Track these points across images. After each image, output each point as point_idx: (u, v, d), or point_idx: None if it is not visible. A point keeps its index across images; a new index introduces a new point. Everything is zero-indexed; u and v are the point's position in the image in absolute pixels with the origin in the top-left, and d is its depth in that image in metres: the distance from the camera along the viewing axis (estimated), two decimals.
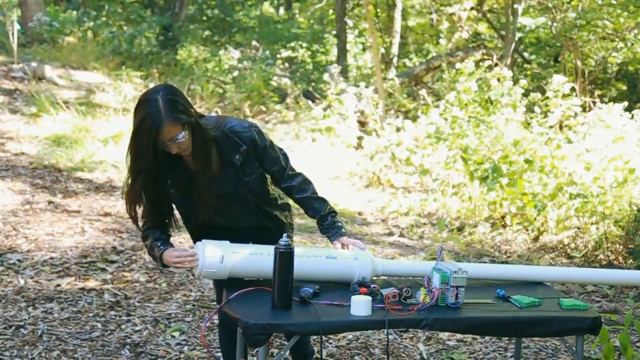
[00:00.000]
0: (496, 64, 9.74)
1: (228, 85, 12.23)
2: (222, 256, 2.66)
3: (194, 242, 2.94)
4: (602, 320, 2.70)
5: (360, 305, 2.52)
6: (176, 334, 4.04)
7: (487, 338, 4.17)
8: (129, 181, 2.72)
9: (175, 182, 2.80)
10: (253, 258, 2.70)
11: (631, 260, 5.32)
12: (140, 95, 2.66)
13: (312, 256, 2.78)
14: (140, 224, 2.86)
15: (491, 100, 8.54)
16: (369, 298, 2.55)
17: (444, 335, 4.18)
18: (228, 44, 15.55)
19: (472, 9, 14.21)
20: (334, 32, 16.18)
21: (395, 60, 14.28)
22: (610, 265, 5.50)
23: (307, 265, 2.74)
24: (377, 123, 9.55)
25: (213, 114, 10.49)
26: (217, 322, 4.14)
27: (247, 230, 2.91)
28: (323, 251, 2.86)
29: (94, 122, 8.67)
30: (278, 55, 16.02)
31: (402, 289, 2.63)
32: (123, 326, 4.10)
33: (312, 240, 6.13)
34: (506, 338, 4.09)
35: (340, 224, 2.92)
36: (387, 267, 2.89)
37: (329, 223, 2.90)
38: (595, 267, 5.53)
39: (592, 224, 6.04)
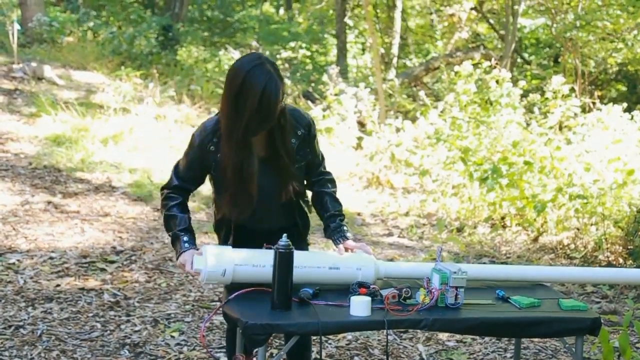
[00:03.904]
0: (495, 65, 9.75)
1: None
2: (224, 269, 2.64)
3: (222, 239, 2.92)
4: (602, 321, 2.70)
5: (360, 306, 2.52)
6: (176, 334, 4.04)
7: (486, 339, 4.17)
8: (235, 142, 2.63)
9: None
10: (255, 270, 2.68)
11: (631, 261, 5.32)
12: (243, 64, 2.61)
13: (315, 267, 2.74)
14: (175, 182, 2.81)
15: (491, 101, 8.55)
16: (369, 299, 2.55)
17: (444, 335, 4.18)
18: (228, 44, 15.55)
19: (472, 9, 14.22)
20: (334, 33, 16.19)
21: (395, 60, 14.29)
22: (609, 266, 5.50)
23: (309, 275, 2.71)
24: (375, 124, 9.56)
25: (213, 114, 10.49)
26: (216, 322, 4.15)
27: (277, 233, 2.71)
28: (326, 260, 2.81)
29: (94, 122, 8.67)
30: (278, 56, 16.03)
31: (402, 290, 2.63)
32: (122, 326, 4.09)
33: (311, 240, 6.12)
34: (506, 339, 4.09)
35: (346, 228, 2.90)
36: (389, 270, 2.88)
37: (335, 225, 2.88)
38: (595, 268, 5.54)
39: (591, 224, 6.05)
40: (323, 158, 2.95)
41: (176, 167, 2.85)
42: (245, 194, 2.74)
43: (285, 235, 2.55)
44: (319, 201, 2.93)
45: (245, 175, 2.69)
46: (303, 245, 2.94)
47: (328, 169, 3.00)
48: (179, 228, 2.78)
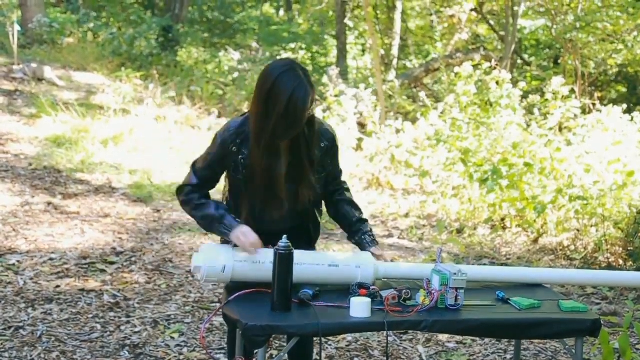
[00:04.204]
0: (495, 67, 9.75)
1: (228, 87, 12.24)
2: (224, 266, 2.65)
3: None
4: (602, 322, 2.70)
5: (360, 307, 2.52)
6: (175, 335, 4.04)
7: (486, 340, 4.16)
8: (263, 148, 2.63)
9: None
10: (256, 267, 2.68)
11: (631, 263, 5.32)
12: (274, 68, 2.61)
13: (315, 264, 2.74)
14: (194, 181, 2.78)
15: (491, 102, 8.55)
16: (369, 300, 2.55)
17: (444, 337, 4.18)
18: (228, 46, 15.55)
19: (472, 10, 14.22)
20: (334, 34, 16.20)
21: (395, 62, 14.28)
22: (609, 267, 5.50)
23: (308, 273, 2.72)
24: (375, 126, 9.56)
25: (213, 116, 10.50)
26: (216, 324, 4.15)
27: (286, 233, 2.73)
28: (325, 258, 2.83)
29: (94, 123, 8.67)
30: (278, 57, 16.02)
31: (402, 291, 2.63)
32: (122, 327, 4.09)
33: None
34: (506, 340, 4.09)
35: (373, 234, 2.93)
36: (389, 270, 2.88)
37: (366, 229, 2.89)
38: (595, 269, 5.54)
39: (591, 226, 6.05)
40: (341, 171, 2.97)
41: (194, 165, 2.83)
42: (277, 199, 2.74)
43: (285, 236, 2.55)
44: (340, 208, 2.95)
45: (274, 179, 2.69)
46: (311, 250, 2.94)
47: (354, 200, 3.01)
48: (215, 208, 2.73)
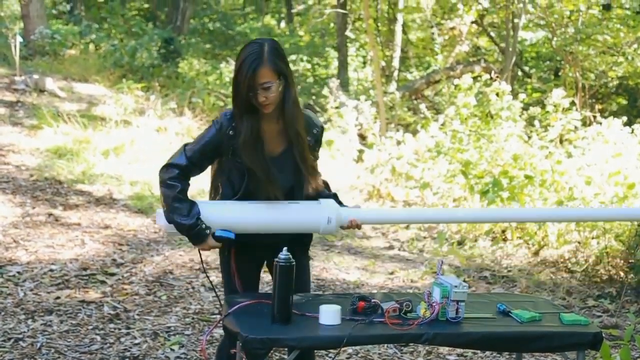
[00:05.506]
0: (496, 78, 9.77)
1: (229, 98, 12.25)
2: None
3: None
4: (603, 335, 2.69)
5: (328, 315, 2.52)
6: (175, 347, 4.03)
7: (487, 353, 4.15)
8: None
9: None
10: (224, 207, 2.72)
11: (632, 275, 5.31)
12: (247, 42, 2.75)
13: (276, 205, 2.73)
14: (184, 162, 2.73)
15: (491, 114, 8.57)
16: (338, 307, 2.55)
17: (444, 350, 4.16)
18: (229, 57, 15.60)
19: (472, 22, 14.27)
20: (335, 46, 16.25)
21: (395, 73, 14.33)
22: (610, 279, 5.49)
23: (267, 214, 2.71)
24: (376, 137, 9.58)
25: None
26: (216, 335, 4.14)
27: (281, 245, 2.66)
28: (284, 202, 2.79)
29: (95, 134, 8.69)
30: None
31: (403, 303, 2.62)
32: (122, 339, 4.08)
33: (311, 253, 6.11)
34: (506, 353, 4.08)
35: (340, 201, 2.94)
36: (352, 214, 2.83)
37: (333, 194, 2.92)
38: (596, 281, 5.53)
39: (592, 238, 6.04)
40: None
41: (184, 147, 2.78)
42: (275, 183, 2.72)
43: (285, 248, 2.55)
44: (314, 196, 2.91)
45: (257, 140, 2.68)
46: (305, 260, 2.94)
47: (327, 181, 3.01)
48: (194, 208, 2.69)
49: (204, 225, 2.67)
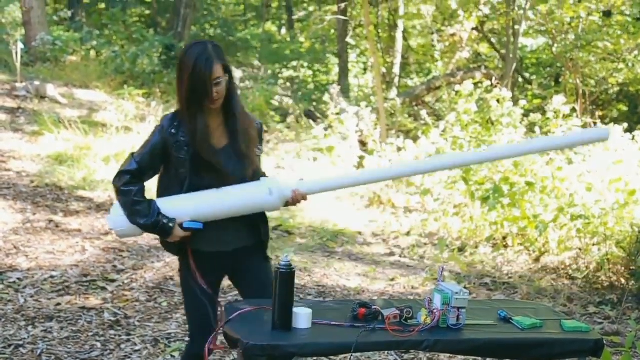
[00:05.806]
0: (496, 85, 9.78)
1: None
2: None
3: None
4: (605, 342, 2.69)
5: (300, 318, 2.52)
6: (176, 353, 4.02)
7: None
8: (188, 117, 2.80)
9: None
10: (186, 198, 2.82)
11: (633, 282, 5.30)
12: (187, 45, 2.88)
13: (221, 189, 2.82)
14: (134, 167, 2.84)
15: (492, 120, 8.57)
16: (310, 311, 2.55)
17: (445, 357, 4.15)
18: (230, 63, 15.62)
19: (473, 29, 14.29)
20: (336, 52, 16.27)
21: (396, 80, 14.35)
22: (611, 286, 5.48)
23: (218, 196, 2.81)
24: (376, 144, 9.58)
25: None
26: (219, 343, 4.12)
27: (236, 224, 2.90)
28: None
29: (96, 140, 8.69)
30: (280, 75, 16.09)
31: (403, 310, 2.62)
32: (123, 346, 4.08)
33: (312, 259, 6.11)
34: None
35: None
36: (294, 185, 2.92)
37: None
38: (597, 288, 5.53)
39: (593, 245, 6.03)
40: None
41: (132, 155, 2.89)
42: (222, 175, 2.83)
43: (286, 255, 2.56)
44: None
45: (211, 146, 2.83)
46: (265, 261, 3.01)
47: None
48: (152, 205, 2.82)
49: (165, 219, 2.81)
